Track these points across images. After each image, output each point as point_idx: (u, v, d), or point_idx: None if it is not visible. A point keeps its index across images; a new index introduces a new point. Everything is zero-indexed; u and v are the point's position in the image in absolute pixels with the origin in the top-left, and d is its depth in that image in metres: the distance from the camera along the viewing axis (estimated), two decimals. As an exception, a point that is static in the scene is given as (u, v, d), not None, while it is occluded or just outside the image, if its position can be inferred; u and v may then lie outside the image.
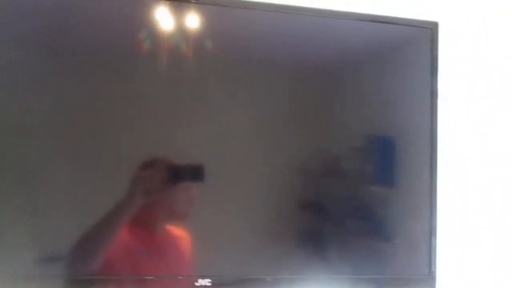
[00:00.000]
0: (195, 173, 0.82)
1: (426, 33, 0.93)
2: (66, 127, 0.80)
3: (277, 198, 0.88)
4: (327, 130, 0.91)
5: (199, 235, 0.83)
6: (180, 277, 0.83)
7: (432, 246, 0.91)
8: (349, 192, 0.91)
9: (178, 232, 0.84)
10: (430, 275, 0.91)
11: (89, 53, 0.81)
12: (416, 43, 0.94)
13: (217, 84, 0.86)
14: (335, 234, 0.90)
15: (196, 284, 0.81)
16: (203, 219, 0.84)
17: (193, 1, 0.83)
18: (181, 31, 0.83)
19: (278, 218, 0.88)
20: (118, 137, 0.82)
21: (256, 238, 0.87)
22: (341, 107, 0.92)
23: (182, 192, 0.83)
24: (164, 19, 0.82)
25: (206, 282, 0.81)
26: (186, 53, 0.83)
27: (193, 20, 0.84)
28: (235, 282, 0.84)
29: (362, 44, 0.92)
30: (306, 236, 0.89)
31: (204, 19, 0.84)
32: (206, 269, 0.83)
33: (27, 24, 0.78)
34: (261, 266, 0.86)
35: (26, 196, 0.77)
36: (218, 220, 0.85)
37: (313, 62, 0.90)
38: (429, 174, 0.92)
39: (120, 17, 0.82)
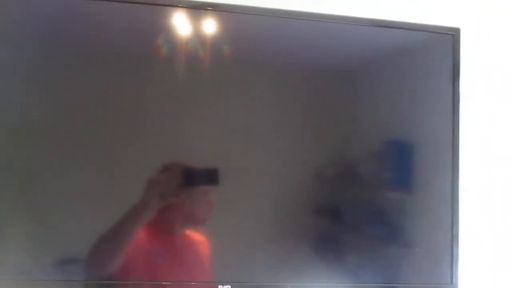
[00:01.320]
0: (210, 177, 0.82)
1: (448, 39, 0.92)
2: (86, 131, 0.81)
3: (294, 204, 0.87)
4: (344, 134, 0.91)
5: (218, 240, 0.84)
6: (200, 283, 0.83)
7: (454, 255, 0.89)
8: (366, 198, 0.90)
9: (197, 237, 0.85)
10: (452, 285, 0.89)
11: (109, 59, 0.83)
12: (437, 49, 0.93)
13: (233, 88, 0.86)
14: (354, 241, 0.89)
15: (216, 290, 0.82)
16: (221, 224, 0.84)
17: (209, 8, 0.84)
18: (198, 37, 0.83)
19: (295, 224, 0.88)
20: (135, 140, 0.83)
21: (274, 244, 0.87)
22: (359, 112, 0.91)
23: (197, 196, 0.84)
24: (181, 25, 0.83)
25: (226, 288, 0.82)
26: (203, 59, 0.83)
27: (209, 26, 0.84)
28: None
29: (382, 49, 0.92)
30: (325, 243, 0.88)
31: (221, 25, 0.85)
32: (226, 275, 0.83)
33: (51, 32, 0.80)
34: (280, 273, 0.86)
35: (43, 199, 0.79)
36: (235, 225, 0.85)
37: (331, 68, 0.90)
38: (451, 180, 0.91)
39: (139, 24, 0.83)
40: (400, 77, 0.92)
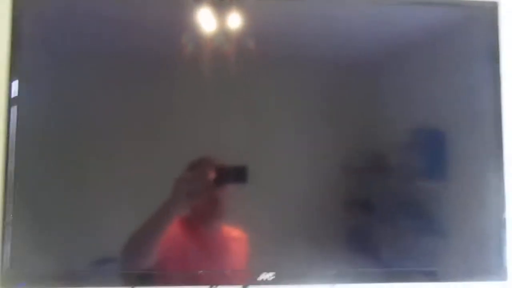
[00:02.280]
0: (239, 174, 0.83)
1: (485, 14, 0.88)
2: (116, 131, 0.84)
3: (325, 198, 0.87)
4: (375, 125, 0.89)
5: (254, 234, 0.84)
6: (243, 271, 0.85)
7: (503, 240, 0.86)
8: (404, 189, 0.88)
9: (234, 233, 0.85)
10: (501, 268, 0.86)
11: (136, 59, 0.85)
12: (474, 26, 0.89)
13: (259, 83, 0.87)
14: (392, 232, 0.87)
15: (259, 278, 0.83)
16: (254, 219, 0.85)
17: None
18: (222, 30, 0.84)
19: (327, 218, 0.87)
20: (164, 139, 0.85)
21: (308, 238, 0.87)
22: (390, 101, 0.89)
23: (227, 193, 0.85)
24: (205, 19, 0.84)
25: (270, 275, 0.83)
26: (229, 53, 0.84)
27: (233, 19, 0.85)
28: (298, 276, 0.85)
29: (412, 31, 0.89)
30: (358, 231, 0.87)
31: (244, 17, 0.85)
32: (267, 264, 0.84)
33: (76, 35, 0.83)
34: (319, 263, 0.86)
35: (81, 202, 0.82)
36: (269, 220, 0.85)
37: (359, 55, 0.88)
38: (496, 165, 0.88)
39: (163, 21, 0.85)
40: (433, 60, 0.89)
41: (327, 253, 0.86)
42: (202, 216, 0.85)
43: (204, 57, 0.84)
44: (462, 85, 0.89)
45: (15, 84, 0.82)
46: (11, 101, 0.82)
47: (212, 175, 0.83)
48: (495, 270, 0.87)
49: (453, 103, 0.89)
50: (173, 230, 0.83)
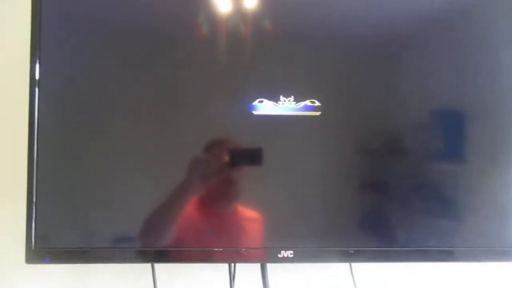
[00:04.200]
0: (254, 156, 0.84)
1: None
2: (132, 112, 0.85)
3: (342, 178, 0.87)
4: (392, 106, 0.88)
5: (271, 215, 0.85)
6: (262, 249, 0.86)
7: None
8: (424, 169, 0.88)
9: (249, 213, 0.86)
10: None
11: (156, 39, 0.84)
12: (496, 3, 0.88)
13: (275, 63, 0.86)
14: (413, 211, 0.88)
15: (279, 255, 0.84)
16: (271, 200, 0.86)
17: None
18: (238, 9, 0.84)
19: (344, 198, 0.88)
20: (182, 120, 0.85)
21: (325, 217, 0.88)
22: (408, 80, 0.87)
23: (241, 174, 0.86)
24: (221, 2, 0.84)
25: (289, 253, 0.84)
26: (245, 33, 0.84)
27: (249, 1, 0.84)
28: (317, 253, 0.86)
29: (432, 8, 0.88)
30: (378, 213, 0.88)
31: None
32: (284, 242, 0.85)
33: (90, 16, 0.84)
34: (338, 241, 0.87)
35: (102, 183, 0.84)
36: (285, 201, 0.86)
37: (377, 33, 0.87)
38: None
39: (179, 5, 0.85)
40: (453, 39, 0.88)
41: (345, 232, 0.87)
42: (218, 197, 0.86)
43: (220, 37, 0.84)
44: (482, 64, 0.88)
45: (37, 65, 0.82)
46: (33, 83, 0.82)
47: (227, 156, 0.84)
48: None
49: (473, 83, 0.88)
50: (190, 210, 0.85)
